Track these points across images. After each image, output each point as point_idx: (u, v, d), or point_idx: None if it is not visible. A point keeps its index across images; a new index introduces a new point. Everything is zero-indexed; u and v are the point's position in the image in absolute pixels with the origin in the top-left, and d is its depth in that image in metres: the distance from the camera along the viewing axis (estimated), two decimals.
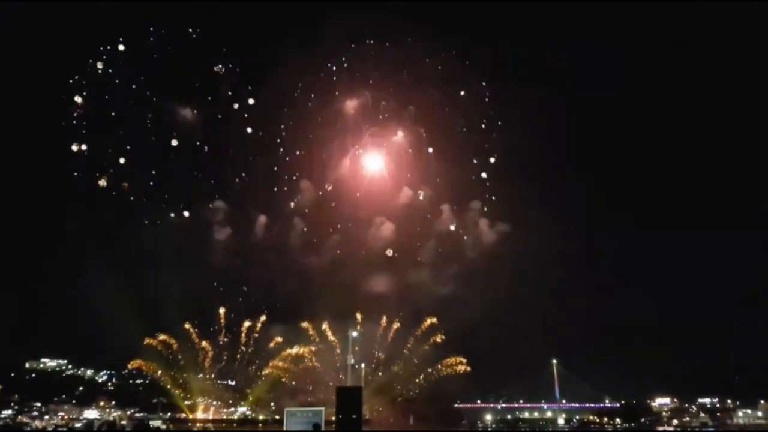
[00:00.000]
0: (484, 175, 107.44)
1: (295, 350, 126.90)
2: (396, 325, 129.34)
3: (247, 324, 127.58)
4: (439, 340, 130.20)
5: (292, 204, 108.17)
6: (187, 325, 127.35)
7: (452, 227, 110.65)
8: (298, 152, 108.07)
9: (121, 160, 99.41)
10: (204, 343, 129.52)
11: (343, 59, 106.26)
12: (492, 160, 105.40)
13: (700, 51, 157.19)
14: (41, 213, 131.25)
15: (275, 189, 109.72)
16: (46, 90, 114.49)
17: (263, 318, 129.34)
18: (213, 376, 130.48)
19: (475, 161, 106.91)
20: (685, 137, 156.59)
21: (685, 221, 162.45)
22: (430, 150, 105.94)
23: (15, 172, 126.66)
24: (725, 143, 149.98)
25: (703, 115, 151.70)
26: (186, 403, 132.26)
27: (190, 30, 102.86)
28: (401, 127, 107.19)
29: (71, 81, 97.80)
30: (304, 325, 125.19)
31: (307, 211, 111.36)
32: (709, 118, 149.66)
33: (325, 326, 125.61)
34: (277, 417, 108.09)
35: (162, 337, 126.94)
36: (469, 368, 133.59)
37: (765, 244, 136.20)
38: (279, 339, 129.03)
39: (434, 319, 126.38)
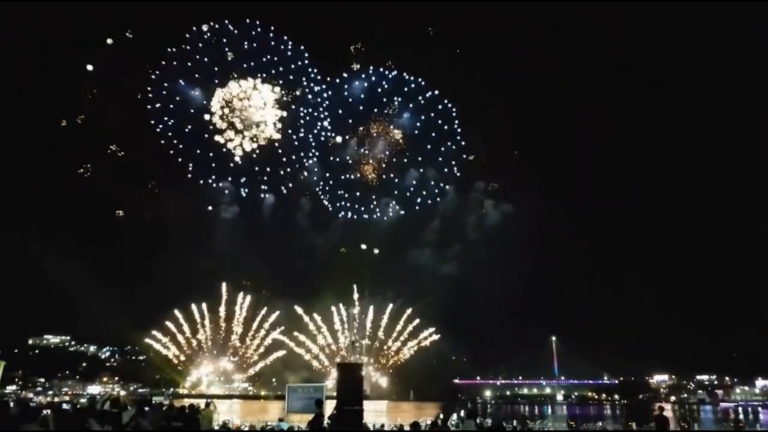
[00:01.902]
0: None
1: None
2: (392, 305, 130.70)
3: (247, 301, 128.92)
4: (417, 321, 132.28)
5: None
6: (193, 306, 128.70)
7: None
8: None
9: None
10: (206, 321, 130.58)
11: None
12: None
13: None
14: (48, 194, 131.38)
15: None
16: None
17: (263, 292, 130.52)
18: (215, 352, 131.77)
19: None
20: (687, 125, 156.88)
21: (684, 202, 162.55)
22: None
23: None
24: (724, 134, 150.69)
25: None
26: (190, 378, 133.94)
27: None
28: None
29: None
30: (301, 311, 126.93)
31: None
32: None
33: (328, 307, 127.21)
34: (279, 393, 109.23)
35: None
36: (437, 335, 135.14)
37: (762, 223, 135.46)
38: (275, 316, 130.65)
39: (410, 309, 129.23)
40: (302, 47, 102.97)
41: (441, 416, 32.82)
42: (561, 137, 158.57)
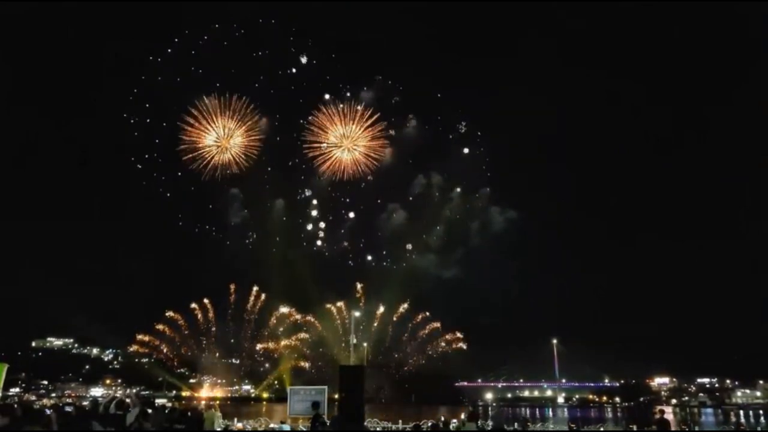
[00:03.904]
0: None
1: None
2: (401, 308, 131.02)
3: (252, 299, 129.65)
4: (438, 324, 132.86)
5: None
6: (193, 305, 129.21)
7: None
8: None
9: None
10: (210, 322, 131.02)
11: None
12: None
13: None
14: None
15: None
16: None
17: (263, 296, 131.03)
18: (218, 354, 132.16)
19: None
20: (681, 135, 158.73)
21: (685, 204, 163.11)
22: None
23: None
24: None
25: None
26: (191, 381, 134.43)
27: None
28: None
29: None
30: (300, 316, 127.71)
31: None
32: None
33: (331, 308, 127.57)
34: (281, 395, 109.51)
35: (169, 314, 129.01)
36: (465, 345, 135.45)
37: (763, 225, 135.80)
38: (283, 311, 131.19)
39: (427, 313, 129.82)
40: (333, 55, 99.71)
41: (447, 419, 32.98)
42: (562, 141, 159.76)
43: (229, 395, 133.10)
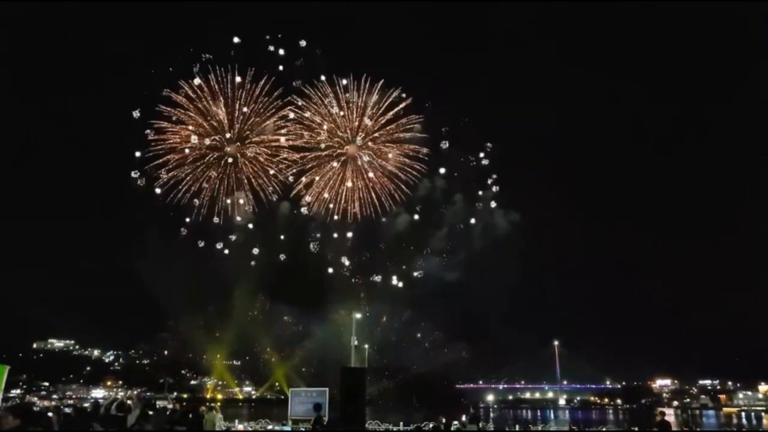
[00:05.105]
0: None
1: None
2: (404, 315, 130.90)
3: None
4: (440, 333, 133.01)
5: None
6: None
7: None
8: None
9: None
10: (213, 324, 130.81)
11: None
12: None
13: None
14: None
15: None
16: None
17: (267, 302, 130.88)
18: (219, 356, 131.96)
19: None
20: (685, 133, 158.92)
21: (687, 206, 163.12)
22: None
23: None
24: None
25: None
26: (193, 382, 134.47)
27: None
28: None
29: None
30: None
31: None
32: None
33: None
34: (282, 397, 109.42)
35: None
36: (465, 354, 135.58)
37: (763, 228, 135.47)
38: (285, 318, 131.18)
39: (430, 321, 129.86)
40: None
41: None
42: (562, 141, 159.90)
43: (231, 397, 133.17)
